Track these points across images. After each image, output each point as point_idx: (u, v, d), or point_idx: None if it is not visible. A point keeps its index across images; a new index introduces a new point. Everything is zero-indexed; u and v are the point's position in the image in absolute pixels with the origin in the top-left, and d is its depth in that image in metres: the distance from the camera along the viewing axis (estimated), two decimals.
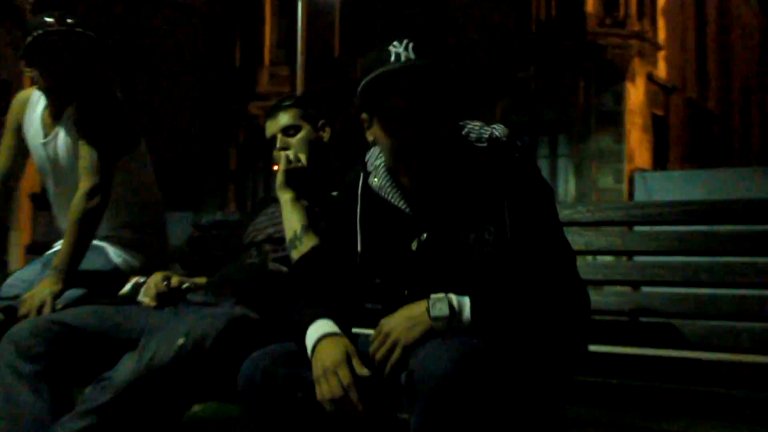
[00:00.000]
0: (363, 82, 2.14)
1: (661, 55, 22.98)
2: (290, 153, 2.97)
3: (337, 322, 2.19)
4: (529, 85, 21.46)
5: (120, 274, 3.17)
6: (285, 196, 2.92)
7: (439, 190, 2.21)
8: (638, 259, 3.23)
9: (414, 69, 2.11)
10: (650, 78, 22.03)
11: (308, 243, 2.79)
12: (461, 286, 2.12)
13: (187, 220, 5.07)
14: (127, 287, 2.95)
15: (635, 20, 21.29)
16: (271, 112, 3.10)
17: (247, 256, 3.02)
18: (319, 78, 22.97)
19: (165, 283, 2.86)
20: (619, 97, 20.91)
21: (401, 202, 2.26)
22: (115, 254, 3.26)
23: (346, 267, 2.34)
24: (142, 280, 2.95)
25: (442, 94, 2.16)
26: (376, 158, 2.35)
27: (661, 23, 22.99)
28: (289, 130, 3.05)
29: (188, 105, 27.18)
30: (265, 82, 25.65)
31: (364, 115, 2.28)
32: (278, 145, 3.04)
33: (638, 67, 21.37)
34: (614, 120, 20.78)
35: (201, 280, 3.03)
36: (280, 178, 2.95)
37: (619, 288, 3.03)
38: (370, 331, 2.22)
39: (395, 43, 2.14)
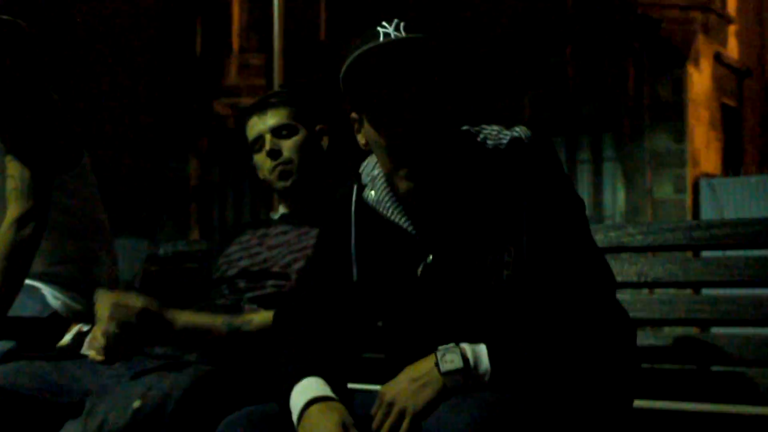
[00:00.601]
0: (343, 69, 2.21)
1: (732, 30, 22.97)
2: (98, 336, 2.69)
3: (328, 379, 2.21)
4: (564, 72, 21.44)
5: (59, 321, 3.18)
6: (177, 324, 2.79)
7: (448, 202, 2.26)
8: (707, 292, 3.25)
9: (401, 45, 2.18)
10: (718, 59, 22.00)
11: (256, 319, 2.81)
12: (476, 320, 2.18)
13: (140, 250, 5.10)
14: (68, 337, 2.97)
15: None
16: (257, 108, 3.13)
17: (217, 295, 3.05)
18: (301, 68, 23.00)
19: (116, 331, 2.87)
20: (679, 85, 20.87)
21: (403, 219, 2.31)
22: (52, 296, 3.27)
23: (339, 305, 2.38)
24: (86, 328, 2.96)
25: (440, 76, 2.23)
26: (372, 168, 2.41)
27: None
28: (281, 131, 3.08)
29: (139, 106, 27.18)
30: (234, 74, 25.65)
31: (353, 114, 2.35)
32: (267, 147, 3.07)
33: (703, 45, 21.35)
34: (673, 113, 20.73)
35: None
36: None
37: (681, 329, 3.05)
38: (372, 387, 2.24)
39: (384, 23, 2.21)
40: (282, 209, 3.24)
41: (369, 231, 2.36)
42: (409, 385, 2.07)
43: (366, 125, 2.29)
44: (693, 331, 3.08)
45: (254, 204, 23.68)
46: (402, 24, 2.18)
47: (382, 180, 2.36)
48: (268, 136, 3.08)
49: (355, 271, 2.36)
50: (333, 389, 2.19)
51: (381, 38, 2.18)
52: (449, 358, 2.07)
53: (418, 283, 2.27)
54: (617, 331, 2.20)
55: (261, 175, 3.18)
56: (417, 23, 2.20)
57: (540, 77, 21.36)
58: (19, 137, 3.14)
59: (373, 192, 2.36)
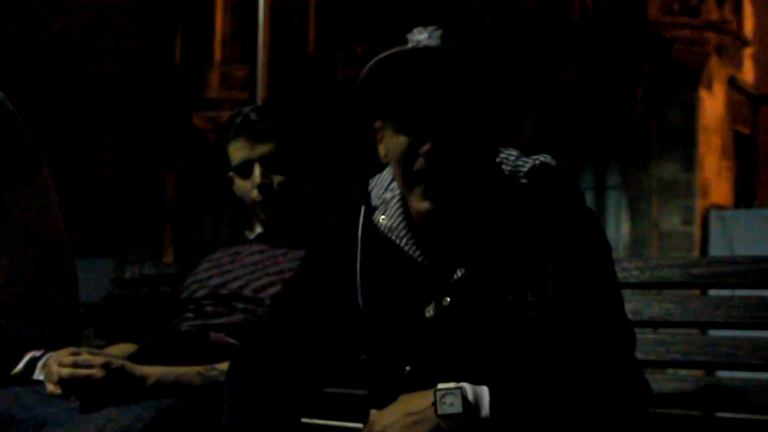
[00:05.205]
0: (369, 68, 2.17)
1: (748, 53, 23.07)
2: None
3: None
4: (569, 93, 21.51)
5: (11, 348, 3.17)
6: (149, 381, 2.77)
7: (465, 232, 2.22)
8: (714, 333, 3.25)
9: (434, 53, 2.14)
10: (733, 84, 22.09)
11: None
12: (485, 361, 2.15)
13: (106, 270, 5.05)
14: (21, 366, 2.96)
15: (713, 6, 21.34)
16: (246, 130, 3.11)
17: (182, 319, 3.05)
18: (287, 81, 23.05)
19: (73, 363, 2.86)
20: (690, 110, 20.94)
21: (416, 250, 2.28)
22: (4, 320, 3.26)
23: (326, 328, 2.36)
24: (38, 354, 2.96)
25: (477, 92, 2.18)
26: (384, 190, 2.37)
27: (747, 11, 23.08)
28: (272, 162, 3.09)
29: (111, 117, 27.18)
30: (215, 86, 25.68)
31: (376, 123, 2.31)
32: (258, 179, 3.07)
33: (716, 69, 21.43)
34: (683, 140, 20.80)
35: (121, 349, 3.06)
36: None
37: (685, 371, 3.05)
38: (352, 425, 2.24)
39: (418, 29, 2.18)
40: (259, 229, 3.24)
41: (376, 257, 2.33)
42: (403, 419, 2.05)
43: (388, 135, 2.24)
44: (698, 374, 3.07)
45: (233, 224, 23.68)
46: (439, 32, 2.15)
47: (398, 205, 2.32)
48: (257, 165, 3.08)
49: (360, 296, 2.33)
50: None
51: (410, 45, 2.15)
52: (449, 401, 2.03)
53: (427, 324, 2.24)
54: (634, 392, 2.16)
55: (240, 195, 3.19)
56: (456, 33, 2.17)
57: (542, 98, 21.39)
58: None
59: (383, 217, 2.33)
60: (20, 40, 24.57)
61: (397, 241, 2.29)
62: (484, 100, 2.20)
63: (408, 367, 2.23)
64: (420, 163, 2.17)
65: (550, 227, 2.20)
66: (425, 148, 2.15)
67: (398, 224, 2.30)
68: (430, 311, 2.24)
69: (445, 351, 2.21)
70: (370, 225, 2.34)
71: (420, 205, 2.20)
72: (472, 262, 2.22)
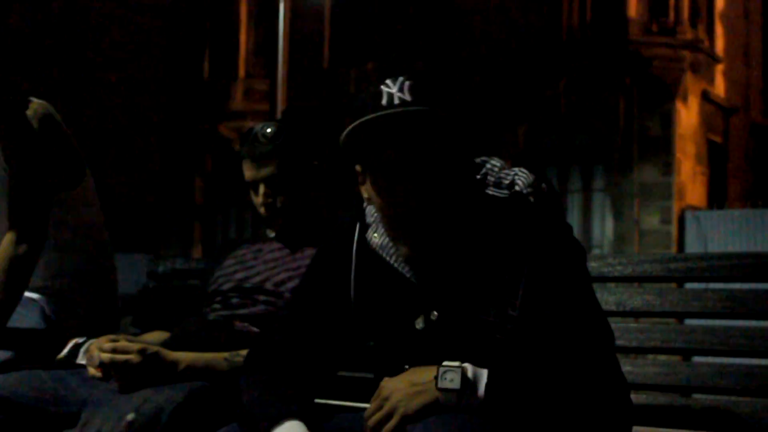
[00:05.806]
0: (347, 131, 2.14)
1: (719, 69, 23.07)
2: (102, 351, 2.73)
3: (309, 421, 2.17)
4: (558, 105, 21.51)
5: (57, 333, 3.17)
6: (180, 365, 2.79)
7: (450, 257, 2.20)
8: (690, 322, 3.24)
9: (408, 115, 2.10)
10: (706, 97, 22.09)
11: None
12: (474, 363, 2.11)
13: (141, 265, 5.09)
14: (65, 351, 2.96)
15: (688, 27, 21.37)
16: (251, 154, 3.09)
17: (209, 309, 3.05)
18: (304, 94, 23.06)
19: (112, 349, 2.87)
20: (668, 120, 20.93)
21: (406, 268, 2.25)
22: (50, 309, 3.26)
23: (326, 333, 2.35)
24: (81, 340, 2.96)
25: (445, 145, 2.15)
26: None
27: (719, 31, 23.08)
28: (275, 181, 3.07)
29: (145, 126, 27.21)
30: (240, 98, 25.71)
31: (357, 168, 2.26)
32: (261, 199, 3.07)
33: (691, 83, 21.42)
34: (661, 147, 20.79)
35: (155, 336, 3.06)
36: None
37: (665, 357, 3.05)
38: (359, 405, 2.23)
39: (388, 81, 2.14)
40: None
41: (369, 272, 2.30)
42: (407, 388, 2.07)
43: (368, 182, 2.21)
44: (676, 360, 3.07)
45: (256, 223, 23.68)
46: (407, 84, 2.12)
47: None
48: (261, 185, 3.07)
49: (353, 300, 2.31)
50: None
51: (384, 100, 2.11)
52: (450, 377, 2.03)
53: (418, 335, 2.23)
54: (613, 384, 2.12)
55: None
56: (423, 83, 2.13)
57: (533, 109, 21.43)
58: (19, 154, 3.13)
59: (376, 235, 2.29)
60: (69, 62, 24.60)
61: (387, 258, 2.26)
62: (455, 147, 2.17)
63: (407, 366, 2.23)
64: (400, 214, 2.15)
65: (524, 246, 2.17)
66: (403, 202, 2.14)
67: (388, 242, 2.27)
68: (419, 323, 2.23)
69: (437, 358, 2.18)
70: (364, 241, 2.32)
71: (403, 249, 2.20)
72: (457, 278, 2.20)
